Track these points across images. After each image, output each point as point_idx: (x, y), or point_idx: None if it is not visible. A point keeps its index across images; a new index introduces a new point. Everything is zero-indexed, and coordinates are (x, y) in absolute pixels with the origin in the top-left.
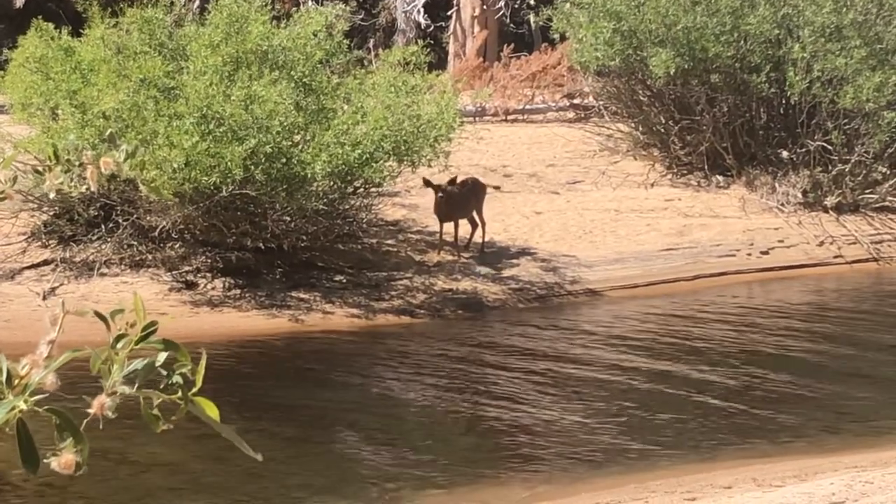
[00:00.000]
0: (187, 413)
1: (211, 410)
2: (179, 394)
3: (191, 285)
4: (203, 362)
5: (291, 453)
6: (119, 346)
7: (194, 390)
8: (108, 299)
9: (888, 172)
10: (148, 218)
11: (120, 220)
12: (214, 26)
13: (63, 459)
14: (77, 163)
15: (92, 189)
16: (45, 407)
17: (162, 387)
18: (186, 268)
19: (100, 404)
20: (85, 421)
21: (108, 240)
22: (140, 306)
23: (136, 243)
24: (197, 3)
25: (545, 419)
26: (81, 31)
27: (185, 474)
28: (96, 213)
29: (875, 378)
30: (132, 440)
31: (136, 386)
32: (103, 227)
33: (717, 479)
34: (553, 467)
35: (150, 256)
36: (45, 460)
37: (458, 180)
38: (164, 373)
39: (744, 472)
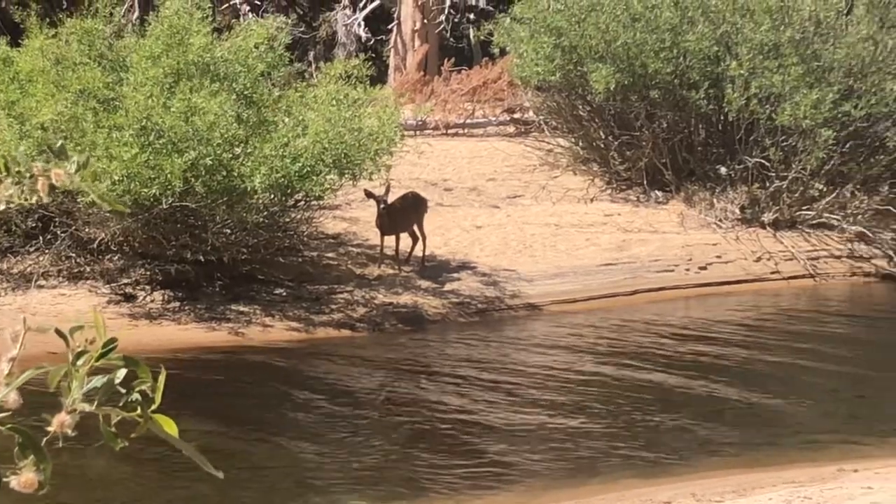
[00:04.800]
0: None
1: (170, 427)
2: (139, 411)
3: (129, 298)
4: (162, 379)
5: (229, 468)
6: (80, 362)
7: (153, 407)
8: (45, 311)
9: (825, 189)
10: (86, 230)
11: (58, 232)
12: (155, 38)
13: (24, 478)
14: (28, 175)
15: (44, 200)
16: (8, 425)
17: (121, 404)
18: (125, 280)
19: (60, 422)
20: (45, 439)
21: (46, 251)
22: (100, 323)
23: (74, 255)
24: (137, 14)
25: (484, 433)
26: (20, 41)
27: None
28: (34, 225)
29: (812, 392)
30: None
31: (96, 403)
32: (41, 238)
33: (657, 495)
34: (486, 484)
35: (88, 268)
36: (4, 479)
37: (400, 194)
38: (123, 390)
39: (683, 487)
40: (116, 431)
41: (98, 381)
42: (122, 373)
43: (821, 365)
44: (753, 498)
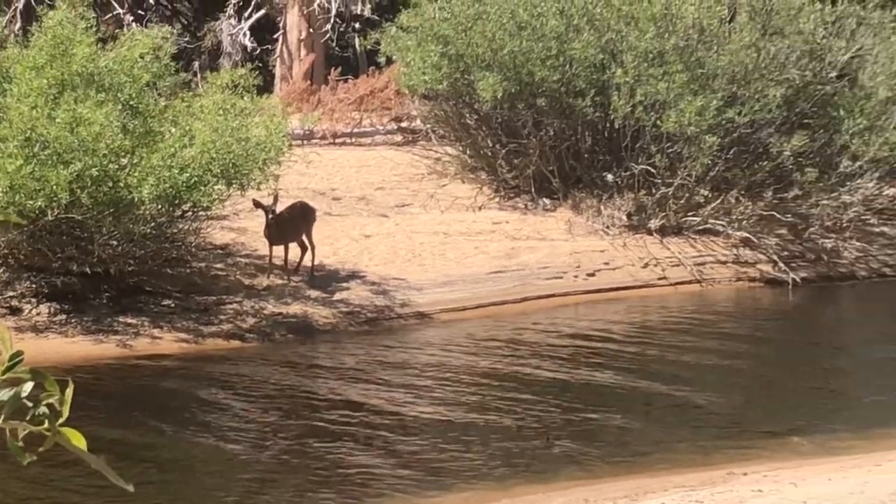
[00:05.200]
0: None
1: (78, 441)
2: (46, 424)
3: (14, 311)
4: (70, 391)
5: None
6: None
7: (61, 420)
8: None
9: (710, 195)
10: None
11: None
12: (38, 48)
13: None
14: None
15: None
16: None
17: (28, 417)
18: (10, 293)
19: None
20: None
21: None
22: (6, 336)
23: None
24: (19, 24)
25: (372, 445)
26: None
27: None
28: None
29: (702, 394)
30: None
31: (2, 417)
32: None
33: (549, 500)
34: (368, 495)
35: None
36: None
37: (289, 204)
38: (30, 403)
39: (575, 494)
40: (24, 445)
41: (4, 394)
42: (28, 386)
43: (709, 368)
44: (645, 503)
